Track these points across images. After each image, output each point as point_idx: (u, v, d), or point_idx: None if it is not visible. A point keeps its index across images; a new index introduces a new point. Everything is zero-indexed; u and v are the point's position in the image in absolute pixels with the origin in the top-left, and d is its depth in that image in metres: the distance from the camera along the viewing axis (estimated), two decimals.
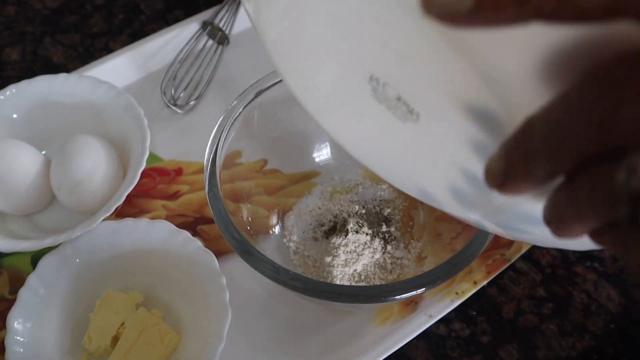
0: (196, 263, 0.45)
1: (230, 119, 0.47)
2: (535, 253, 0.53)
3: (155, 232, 0.46)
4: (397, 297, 0.40)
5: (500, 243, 0.50)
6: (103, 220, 0.45)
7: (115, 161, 0.49)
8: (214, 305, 0.43)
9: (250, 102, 0.49)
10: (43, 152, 0.52)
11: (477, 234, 0.42)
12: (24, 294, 0.42)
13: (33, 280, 0.43)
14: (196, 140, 0.56)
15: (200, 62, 0.59)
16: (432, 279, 0.40)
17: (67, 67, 0.63)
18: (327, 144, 0.55)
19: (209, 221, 0.52)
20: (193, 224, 0.52)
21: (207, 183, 0.44)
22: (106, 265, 0.46)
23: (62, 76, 0.52)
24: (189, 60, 0.60)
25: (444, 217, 0.52)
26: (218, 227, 0.42)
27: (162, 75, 0.59)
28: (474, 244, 0.42)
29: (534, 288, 0.51)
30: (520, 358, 0.48)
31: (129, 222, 0.46)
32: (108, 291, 0.45)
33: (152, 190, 0.54)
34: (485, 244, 0.42)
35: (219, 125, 0.47)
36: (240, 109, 0.48)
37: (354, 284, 0.48)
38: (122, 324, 0.44)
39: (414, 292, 0.40)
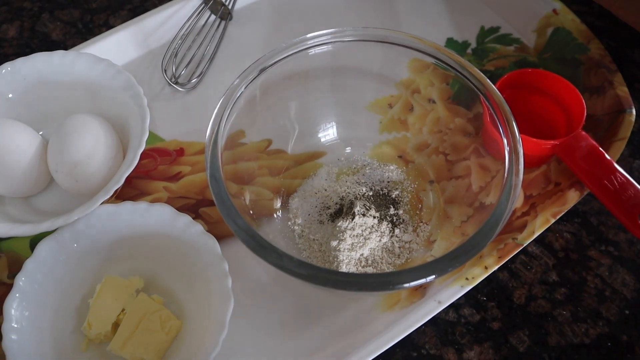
0: (198, 248, 0.43)
1: (232, 98, 0.46)
2: (548, 237, 0.51)
3: (155, 216, 0.44)
4: (405, 285, 0.38)
5: (512, 226, 0.49)
6: (102, 203, 0.43)
7: (115, 142, 0.48)
8: (216, 292, 0.41)
9: (253, 80, 0.47)
10: (40, 133, 0.51)
11: (489, 218, 0.41)
12: (20, 280, 0.41)
13: (30, 266, 0.42)
14: (198, 120, 0.55)
15: (203, 38, 0.58)
16: (442, 266, 0.38)
17: (65, 44, 0.61)
18: (334, 123, 0.53)
19: (212, 203, 0.51)
20: (195, 206, 0.51)
21: (208, 166, 0.42)
22: (105, 249, 0.45)
23: (59, 54, 0.50)
24: (191, 37, 0.58)
25: (454, 200, 0.50)
26: (220, 213, 0.40)
27: (163, 52, 0.57)
28: (486, 228, 0.40)
29: (547, 273, 0.49)
30: (532, 345, 0.46)
31: (128, 205, 0.44)
32: (107, 276, 0.44)
33: (152, 171, 0.52)
34: (498, 229, 0.40)
35: (220, 105, 0.45)
36: (243, 88, 0.46)
37: (360, 268, 0.46)
38: (123, 310, 0.43)
39: (423, 280, 0.38)
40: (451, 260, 0.39)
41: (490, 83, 0.46)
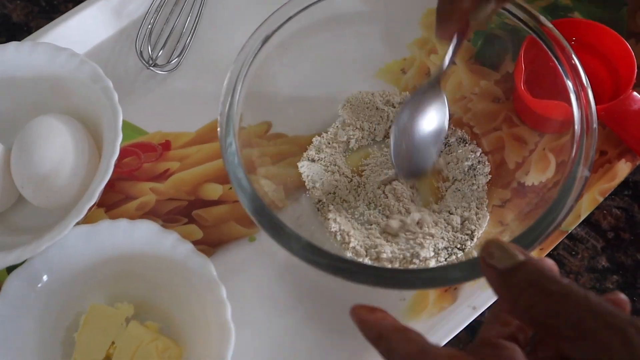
0: (190, 269, 0.38)
1: (243, 71, 0.39)
2: (594, 214, 0.44)
3: (138, 234, 0.38)
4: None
5: None
6: (75, 225, 0.37)
7: (87, 145, 0.41)
8: (215, 322, 0.36)
9: (257, 51, 0.40)
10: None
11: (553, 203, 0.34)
12: None
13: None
14: (184, 106, 0.48)
15: (181, 9, 0.50)
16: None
17: (29, 25, 0.54)
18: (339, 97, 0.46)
19: (206, 204, 0.45)
20: (187, 208, 0.45)
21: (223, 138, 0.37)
22: (86, 275, 0.39)
23: (12, 45, 0.43)
24: (167, 8, 0.50)
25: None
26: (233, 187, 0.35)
27: (137, 29, 0.49)
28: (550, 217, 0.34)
29: (595, 258, 0.43)
30: None
31: (105, 224, 0.38)
32: (92, 304, 0.38)
33: (136, 170, 0.46)
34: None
35: (228, 79, 0.39)
36: (250, 59, 0.40)
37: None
38: (112, 343, 0.38)
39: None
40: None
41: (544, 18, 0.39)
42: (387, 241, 0.41)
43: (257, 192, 0.35)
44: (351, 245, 0.40)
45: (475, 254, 0.40)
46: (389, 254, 0.39)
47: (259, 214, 0.34)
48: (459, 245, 0.40)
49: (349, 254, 0.40)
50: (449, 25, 0.35)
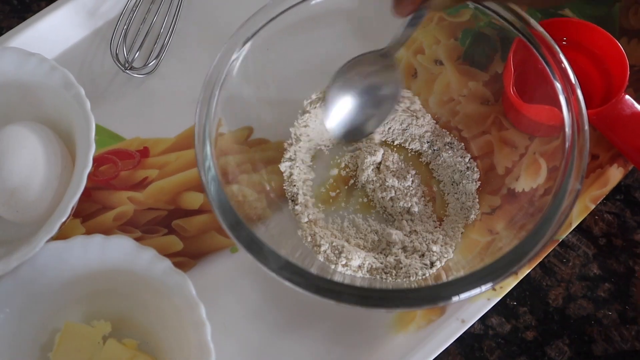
0: (168, 286, 0.36)
1: (221, 75, 0.38)
2: (586, 220, 0.43)
3: (113, 250, 0.37)
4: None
5: None
6: (48, 241, 0.36)
7: (59, 156, 0.39)
8: (195, 341, 0.35)
9: (239, 52, 0.39)
10: None
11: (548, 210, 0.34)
12: None
13: None
14: (163, 110, 0.47)
15: (158, 8, 0.48)
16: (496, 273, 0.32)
17: (0, 25, 0.52)
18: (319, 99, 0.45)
19: (187, 213, 0.43)
20: (167, 218, 0.43)
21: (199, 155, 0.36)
22: (60, 292, 0.37)
23: None
24: (144, 7, 0.48)
25: None
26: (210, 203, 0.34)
27: (112, 29, 0.47)
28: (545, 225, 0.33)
29: (586, 266, 0.42)
30: (573, 356, 0.40)
31: (78, 240, 0.37)
32: (67, 322, 0.37)
33: (114, 179, 0.44)
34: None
35: (206, 83, 0.37)
36: (230, 62, 0.38)
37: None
38: None
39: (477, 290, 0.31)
40: (502, 268, 0.32)
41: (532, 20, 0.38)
42: (362, 248, 0.40)
43: (234, 208, 0.33)
44: (322, 249, 0.39)
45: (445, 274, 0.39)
46: (357, 260, 0.38)
47: (236, 231, 0.33)
48: (429, 264, 0.39)
49: (320, 258, 0.39)
50: (404, 4, 0.35)
